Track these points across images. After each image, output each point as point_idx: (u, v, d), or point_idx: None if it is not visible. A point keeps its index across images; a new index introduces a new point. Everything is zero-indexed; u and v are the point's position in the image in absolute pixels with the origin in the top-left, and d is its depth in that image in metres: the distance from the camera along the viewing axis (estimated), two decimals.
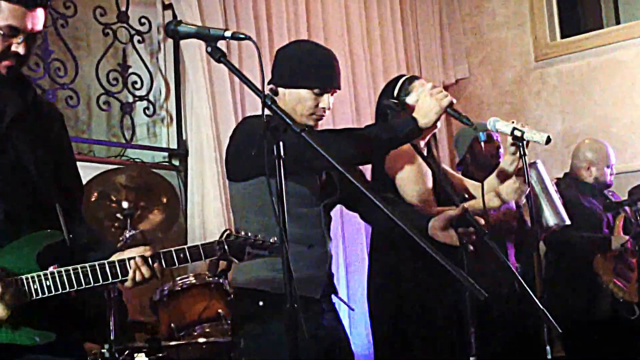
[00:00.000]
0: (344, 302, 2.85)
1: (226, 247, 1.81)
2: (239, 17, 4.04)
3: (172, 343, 3.02)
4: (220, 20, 3.91)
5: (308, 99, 2.18)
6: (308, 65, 2.20)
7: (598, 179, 3.99)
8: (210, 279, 3.12)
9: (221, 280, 3.12)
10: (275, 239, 1.89)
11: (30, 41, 1.77)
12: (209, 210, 3.76)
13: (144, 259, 1.75)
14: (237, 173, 2.21)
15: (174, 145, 4.13)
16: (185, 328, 3.06)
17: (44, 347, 1.71)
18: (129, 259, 1.76)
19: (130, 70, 4.11)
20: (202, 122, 3.83)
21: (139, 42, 4.14)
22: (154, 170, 3.59)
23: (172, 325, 3.10)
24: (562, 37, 5.18)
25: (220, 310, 3.06)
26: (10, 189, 1.74)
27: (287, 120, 1.62)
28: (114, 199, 3.18)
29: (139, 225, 3.23)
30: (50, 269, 1.72)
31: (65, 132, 1.95)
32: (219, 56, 1.69)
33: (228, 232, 1.84)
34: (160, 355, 2.98)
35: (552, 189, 2.85)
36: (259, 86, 1.70)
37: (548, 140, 2.41)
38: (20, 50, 1.74)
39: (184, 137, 4.10)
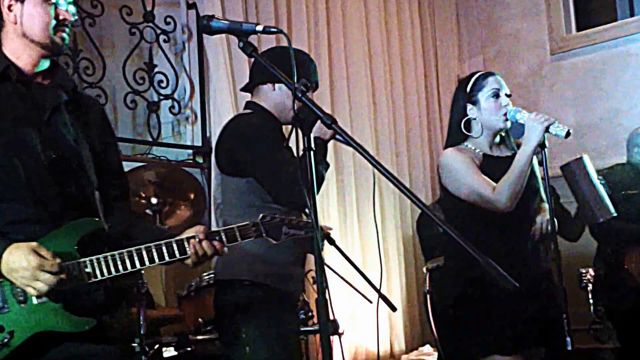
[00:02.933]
0: (361, 294, 2.81)
1: (262, 228, 1.78)
2: (259, 16, 4.00)
3: (200, 337, 3.00)
4: (242, 17, 3.86)
5: (291, 95, 2.15)
6: (288, 62, 2.19)
7: None
8: None
9: None
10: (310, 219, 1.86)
11: (76, 8, 1.77)
12: None
13: (205, 235, 1.73)
14: (239, 170, 2.18)
15: (198, 142, 4.10)
16: (211, 322, 3.03)
17: (85, 334, 1.67)
18: (187, 238, 1.72)
19: (156, 70, 4.06)
20: (225, 120, 3.79)
21: (164, 41, 4.09)
22: (180, 167, 3.56)
23: (199, 319, 3.07)
24: (578, 29, 5.06)
25: None
26: (51, 178, 1.70)
27: (318, 112, 1.57)
28: (143, 195, 3.17)
29: (167, 221, 3.21)
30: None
31: (106, 123, 1.92)
32: (251, 51, 1.64)
33: (264, 215, 1.81)
34: (188, 349, 2.96)
35: (597, 182, 2.81)
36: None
37: (568, 134, 2.39)
38: (68, 17, 1.75)
39: (207, 135, 4.08)
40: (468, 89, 2.51)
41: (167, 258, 1.71)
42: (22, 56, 1.75)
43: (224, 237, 1.76)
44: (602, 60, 4.91)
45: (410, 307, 4.61)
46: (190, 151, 4.09)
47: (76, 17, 1.80)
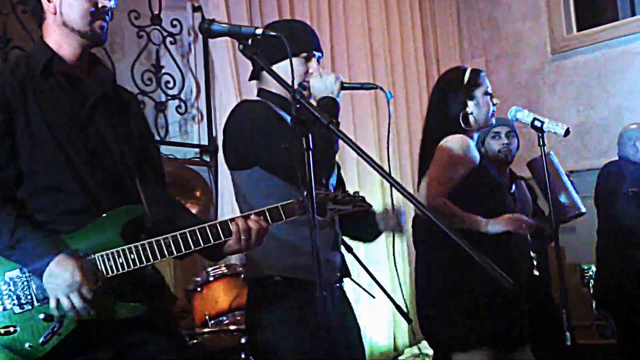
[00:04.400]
0: (365, 290, 2.80)
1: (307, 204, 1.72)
2: (263, 17, 4.03)
3: (206, 330, 3.03)
4: (246, 19, 3.90)
5: (296, 67, 2.12)
6: (291, 34, 2.12)
7: None
8: (241, 269, 3.12)
9: None
10: (358, 192, 1.83)
11: None
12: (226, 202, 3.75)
13: (246, 216, 1.70)
14: (242, 161, 2.13)
15: (204, 141, 4.14)
16: (217, 316, 3.06)
17: (134, 322, 1.67)
18: (230, 219, 1.70)
19: (163, 71, 4.10)
20: None
21: (171, 43, 4.13)
22: (187, 165, 3.59)
23: (206, 313, 3.10)
24: (579, 29, 5.06)
25: None
26: (93, 169, 1.71)
27: (317, 113, 1.59)
28: None
29: None
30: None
31: (142, 116, 1.93)
32: (251, 54, 1.67)
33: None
34: (195, 342, 2.99)
35: (565, 178, 2.81)
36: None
37: (567, 132, 2.40)
38: (107, 4, 1.73)
39: (214, 134, 4.11)
40: (465, 84, 2.52)
41: (211, 240, 1.67)
42: (64, 46, 1.75)
43: (268, 216, 1.72)
44: (604, 60, 4.90)
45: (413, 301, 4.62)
46: (197, 149, 4.13)
47: (114, 4, 1.77)
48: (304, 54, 2.15)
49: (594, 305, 4.19)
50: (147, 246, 1.65)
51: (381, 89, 2.08)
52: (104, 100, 1.79)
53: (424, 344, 4.46)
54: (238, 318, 3.04)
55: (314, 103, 2.10)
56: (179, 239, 1.66)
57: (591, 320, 4.23)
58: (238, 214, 3.69)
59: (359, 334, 2.23)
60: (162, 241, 1.66)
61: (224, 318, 3.04)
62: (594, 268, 4.22)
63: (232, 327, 2.99)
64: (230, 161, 2.17)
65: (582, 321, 4.19)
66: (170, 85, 4.12)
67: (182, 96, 4.17)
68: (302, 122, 1.60)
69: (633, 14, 5.17)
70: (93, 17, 1.73)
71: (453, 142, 2.44)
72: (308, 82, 2.12)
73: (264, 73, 2.19)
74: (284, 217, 1.74)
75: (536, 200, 3.31)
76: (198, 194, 3.33)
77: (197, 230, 1.67)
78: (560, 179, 2.77)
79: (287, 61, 2.03)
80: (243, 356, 2.98)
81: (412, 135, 4.88)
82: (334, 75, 2.12)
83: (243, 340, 2.92)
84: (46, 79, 1.72)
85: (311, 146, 1.57)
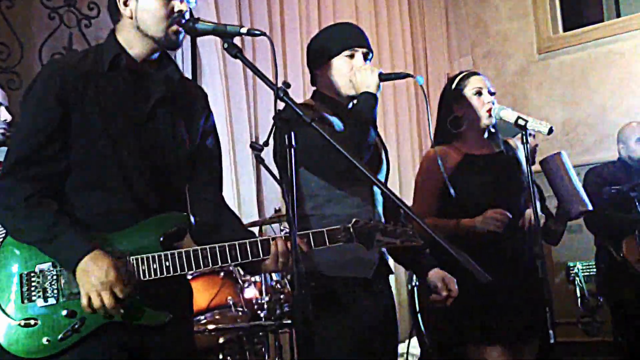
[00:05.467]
0: None
1: (353, 233, 1.70)
2: (253, 14, 4.02)
3: (194, 328, 2.97)
4: (235, 17, 3.89)
5: (342, 65, 2.14)
6: (331, 36, 2.18)
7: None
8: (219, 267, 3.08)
9: (231, 268, 3.06)
10: (410, 226, 1.80)
11: (188, 2, 1.73)
12: None
13: (287, 237, 1.65)
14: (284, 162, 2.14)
15: None
16: (196, 315, 3.01)
17: (162, 329, 1.65)
18: (273, 238, 1.67)
19: None
20: (217, 118, 3.81)
21: None
22: None
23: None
24: (565, 29, 5.10)
25: (230, 297, 2.99)
26: (144, 169, 1.68)
27: (299, 111, 1.59)
28: None
29: None
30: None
31: (210, 112, 1.87)
32: (236, 52, 1.65)
33: (356, 220, 1.72)
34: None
35: (575, 177, 2.83)
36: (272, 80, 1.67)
37: (550, 131, 2.41)
38: (183, 7, 1.69)
39: None
40: (453, 88, 2.54)
41: (249, 257, 1.65)
42: (135, 47, 1.72)
43: (312, 240, 1.69)
44: (589, 59, 4.94)
45: (401, 300, 4.64)
46: None
47: (193, 4, 1.75)
48: (347, 52, 2.15)
49: (579, 303, 4.22)
50: (183, 255, 1.63)
51: (412, 76, 2.13)
52: (169, 98, 1.75)
53: (413, 342, 4.48)
54: (217, 317, 2.97)
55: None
56: (217, 252, 1.64)
57: (576, 318, 4.26)
58: None
59: (396, 328, 2.22)
60: (199, 252, 1.64)
61: (202, 317, 2.96)
62: (579, 266, 4.26)
63: (210, 327, 2.92)
64: (278, 161, 2.16)
65: (568, 319, 4.22)
66: None
67: None
68: (286, 120, 1.60)
69: (618, 15, 5.23)
70: (169, 23, 1.69)
71: (423, 160, 2.51)
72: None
73: (319, 76, 2.20)
74: (327, 243, 1.71)
75: (544, 202, 3.31)
76: None
77: (237, 246, 1.65)
78: (569, 176, 2.79)
79: (331, 62, 2.14)
80: (221, 357, 2.94)
81: (399, 135, 4.90)
82: (370, 68, 2.12)
83: (221, 340, 2.88)
84: (112, 74, 1.69)
85: (294, 144, 1.58)
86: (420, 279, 2.24)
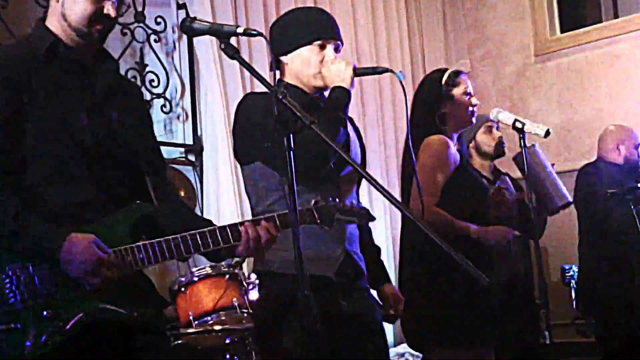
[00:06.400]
0: None
1: (315, 214, 1.71)
2: (248, 14, 4.01)
3: (190, 331, 3.00)
4: (231, 17, 3.87)
5: (311, 55, 2.04)
6: (302, 22, 2.08)
7: (628, 158, 3.83)
8: (226, 269, 3.10)
9: (236, 271, 3.10)
10: (365, 208, 1.83)
11: (119, 4, 1.73)
12: (223, 203, 3.73)
13: (255, 221, 1.66)
14: (243, 156, 2.08)
15: (189, 141, 4.10)
16: (201, 317, 3.04)
17: (139, 324, 1.64)
18: (241, 222, 1.67)
19: (147, 69, 4.05)
20: (216, 119, 3.82)
21: (155, 41, 4.08)
22: (171, 165, 3.57)
23: (190, 314, 3.08)
24: (562, 31, 5.08)
25: (235, 299, 3.03)
26: (104, 159, 1.67)
27: (298, 113, 1.57)
28: None
29: None
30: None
31: (145, 107, 1.88)
32: (233, 53, 1.64)
33: (316, 200, 1.74)
34: (179, 342, 2.96)
35: (551, 169, 2.83)
36: (270, 80, 1.66)
37: (547, 133, 2.43)
38: (112, 12, 1.69)
39: (199, 134, 4.08)
40: (442, 84, 2.53)
41: (221, 244, 1.64)
42: (64, 35, 1.71)
43: (277, 222, 1.69)
44: (587, 62, 4.93)
45: None
46: (182, 149, 4.09)
47: (118, 14, 1.75)
48: (318, 42, 2.04)
49: (574, 304, 4.22)
50: (156, 246, 1.61)
51: (392, 71, 2.03)
52: (111, 90, 1.74)
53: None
54: (223, 318, 2.96)
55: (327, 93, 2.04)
56: (189, 240, 1.63)
57: (571, 319, 4.26)
58: (222, 213, 3.74)
59: (380, 329, 2.12)
60: (171, 241, 1.62)
61: (209, 318, 2.94)
62: (575, 268, 4.25)
63: (216, 327, 2.92)
64: (236, 155, 2.13)
65: (563, 320, 4.22)
66: (155, 83, 4.07)
67: (167, 95, 4.12)
68: (284, 121, 1.58)
69: (616, 17, 5.22)
70: (93, 21, 1.68)
71: (433, 144, 2.45)
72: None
73: (284, 63, 2.10)
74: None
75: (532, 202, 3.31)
76: (182, 193, 3.31)
77: (207, 233, 1.64)
78: (545, 170, 2.79)
79: (300, 50, 2.04)
80: (228, 357, 2.97)
81: (397, 136, 4.88)
82: (344, 62, 2.03)
83: (228, 341, 2.90)
84: (51, 63, 1.67)
85: (292, 145, 1.56)
86: (373, 289, 2.18)
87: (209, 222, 1.76)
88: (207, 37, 3.49)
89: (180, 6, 4.07)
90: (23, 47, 1.69)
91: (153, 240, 1.62)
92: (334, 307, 2.01)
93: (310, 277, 1.90)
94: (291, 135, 1.55)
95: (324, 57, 2.05)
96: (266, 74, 1.62)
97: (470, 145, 3.26)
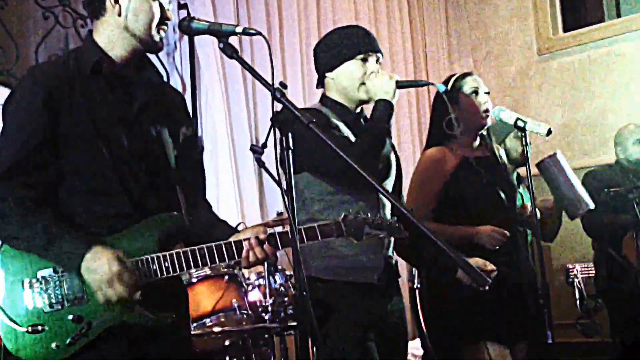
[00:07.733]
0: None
1: (343, 227, 1.73)
2: (250, 14, 4.00)
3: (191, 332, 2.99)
4: (233, 17, 3.87)
5: (355, 69, 2.11)
6: (344, 39, 2.14)
7: None
8: (225, 270, 3.08)
9: (235, 272, 3.08)
10: (395, 219, 1.84)
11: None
12: (224, 204, 3.73)
13: (258, 240, 1.67)
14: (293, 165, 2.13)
15: None
16: (200, 318, 3.02)
17: (160, 331, 1.65)
18: (245, 239, 1.68)
19: None
20: (216, 120, 3.82)
21: None
22: None
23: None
24: (565, 30, 5.06)
25: (234, 301, 3.02)
26: (138, 173, 1.70)
27: (296, 112, 1.56)
28: None
29: None
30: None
31: (188, 116, 1.89)
32: (231, 52, 1.63)
33: (345, 215, 1.75)
34: None
35: (573, 176, 2.82)
36: (269, 80, 1.64)
37: (549, 132, 2.41)
38: (170, 15, 1.74)
39: (199, 134, 4.07)
40: (449, 88, 2.51)
41: (226, 260, 1.67)
42: (116, 48, 1.72)
43: (304, 235, 1.71)
44: (589, 61, 4.91)
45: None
46: None
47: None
48: (360, 56, 2.12)
49: (577, 304, 4.21)
50: (182, 255, 1.64)
51: (432, 84, 2.14)
52: (152, 102, 1.76)
53: (416, 343, 4.45)
54: (222, 320, 3.00)
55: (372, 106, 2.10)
56: (214, 250, 1.66)
57: (574, 319, 4.25)
58: (223, 214, 3.69)
59: (405, 333, 2.22)
60: (197, 251, 1.65)
61: (208, 320, 2.99)
62: (578, 267, 4.24)
63: (216, 329, 2.95)
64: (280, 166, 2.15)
65: (566, 319, 4.21)
66: None
67: None
68: (282, 121, 1.56)
69: (618, 16, 5.20)
70: (157, 27, 1.72)
71: (422, 159, 2.46)
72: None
73: (327, 79, 2.17)
74: (319, 237, 1.73)
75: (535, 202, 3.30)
76: None
77: (232, 244, 1.67)
78: (567, 177, 2.78)
79: (344, 65, 2.12)
80: (227, 359, 2.96)
81: (399, 137, 4.88)
82: (388, 74, 2.10)
83: (227, 343, 2.89)
84: (94, 79, 1.70)
85: (291, 146, 1.55)
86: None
87: (231, 232, 1.78)
88: (208, 37, 3.51)
89: (182, 6, 4.06)
90: (70, 62, 1.72)
91: (179, 250, 1.65)
92: (377, 310, 2.09)
93: (352, 284, 2.03)
94: (290, 135, 1.54)
95: (367, 71, 2.12)
96: (267, 74, 1.60)
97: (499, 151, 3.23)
